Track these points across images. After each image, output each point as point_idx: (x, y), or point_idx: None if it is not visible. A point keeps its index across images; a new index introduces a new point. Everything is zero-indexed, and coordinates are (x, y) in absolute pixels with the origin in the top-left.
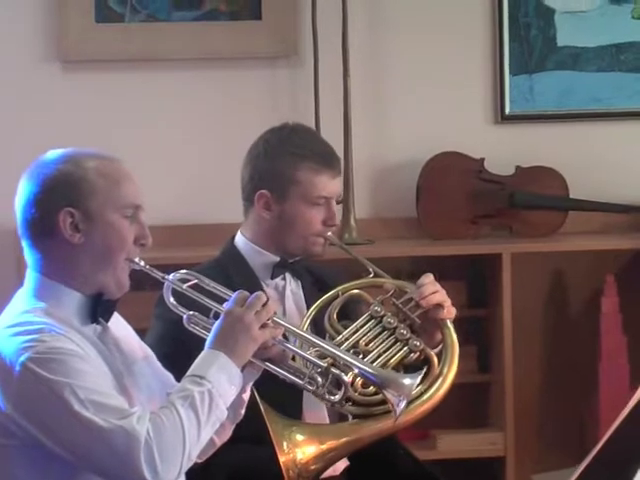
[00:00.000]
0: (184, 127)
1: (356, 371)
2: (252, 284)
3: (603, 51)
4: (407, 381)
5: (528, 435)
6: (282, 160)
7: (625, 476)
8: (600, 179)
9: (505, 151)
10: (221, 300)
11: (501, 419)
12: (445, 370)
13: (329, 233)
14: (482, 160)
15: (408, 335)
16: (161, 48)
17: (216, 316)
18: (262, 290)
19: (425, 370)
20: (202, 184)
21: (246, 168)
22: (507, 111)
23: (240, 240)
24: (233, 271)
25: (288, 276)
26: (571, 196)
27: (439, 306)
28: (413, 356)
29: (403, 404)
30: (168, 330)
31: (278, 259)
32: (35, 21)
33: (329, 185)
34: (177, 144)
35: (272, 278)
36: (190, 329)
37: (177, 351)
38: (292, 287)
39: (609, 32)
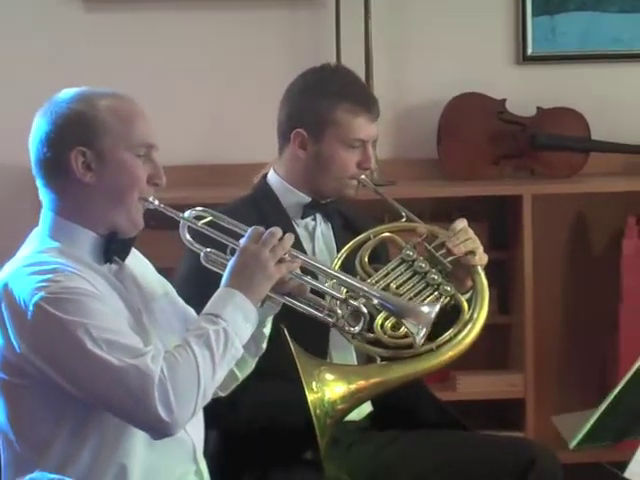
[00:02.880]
0: (204, 68)
1: (375, 302)
2: (284, 222)
3: None
4: (425, 309)
5: (548, 377)
6: (321, 99)
7: None
8: (622, 120)
9: (526, 92)
10: (238, 236)
11: (521, 361)
12: (475, 315)
13: (363, 176)
14: (503, 101)
15: (439, 280)
16: None
17: (233, 252)
18: (293, 229)
19: (454, 316)
20: (224, 125)
21: (283, 106)
22: (529, 52)
23: (273, 178)
24: (266, 208)
25: (319, 217)
26: (592, 137)
27: (471, 252)
28: (444, 301)
29: (423, 332)
30: (191, 268)
31: (310, 199)
32: None
33: (367, 128)
34: (198, 85)
35: (302, 218)
36: (208, 266)
37: (199, 289)
38: (322, 228)
39: None
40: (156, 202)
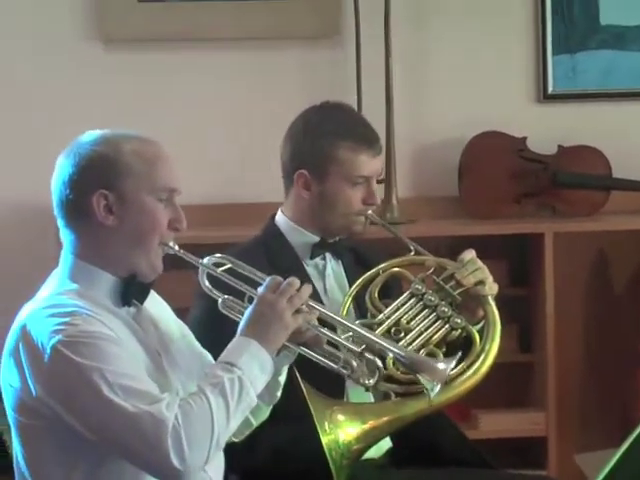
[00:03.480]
0: (224, 107)
1: (391, 355)
2: (293, 262)
3: None
4: (441, 366)
5: (570, 415)
6: (322, 139)
7: None
8: None
9: (547, 130)
10: (256, 284)
11: (543, 399)
12: (487, 347)
13: (370, 212)
14: (524, 139)
15: (450, 312)
16: (202, 27)
17: (250, 300)
18: (303, 268)
19: (466, 348)
20: (242, 164)
21: (285, 147)
22: (550, 90)
23: (281, 219)
24: (275, 249)
25: (328, 255)
26: (614, 175)
27: (481, 282)
28: (455, 333)
29: (437, 389)
30: (207, 312)
31: (318, 239)
32: (77, 0)
33: (369, 164)
34: (217, 124)
35: (312, 258)
36: (225, 312)
37: (215, 333)
38: (333, 265)
39: None
40: (176, 247)
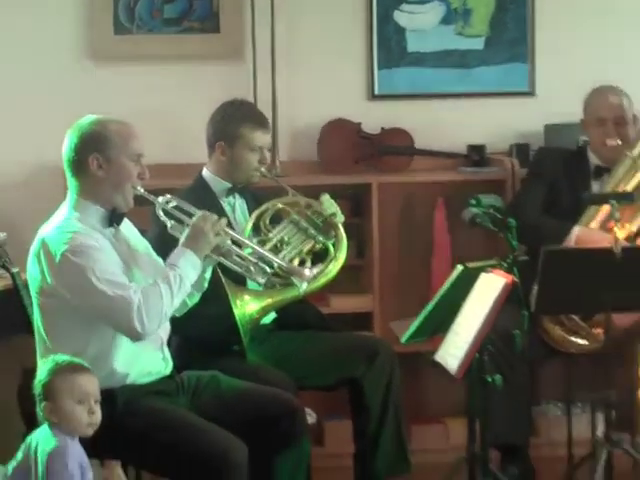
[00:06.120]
0: (170, 103)
1: (275, 264)
2: (215, 201)
3: (437, 54)
4: (307, 272)
5: (388, 297)
6: (232, 122)
7: None
8: (437, 136)
9: (375, 118)
10: (192, 215)
11: (371, 287)
12: (338, 255)
13: (262, 169)
14: (360, 124)
15: (315, 233)
16: (155, 51)
17: (187, 226)
18: (221, 205)
19: (325, 256)
20: (182, 137)
21: (209, 127)
22: (376, 92)
23: (206, 173)
24: (203, 193)
25: (237, 196)
26: (415, 146)
27: (334, 214)
28: (318, 247)
29: (305, 285)
30: (160, 234)
31: (230, 185)
32: (73, 32)
33: (262, 138)
34: (167, 113)
35: (226, 197)
36: (171, 233)
37: (166, 247)
38: (239, 203)
39: (440, 43)
40: (142, 190)
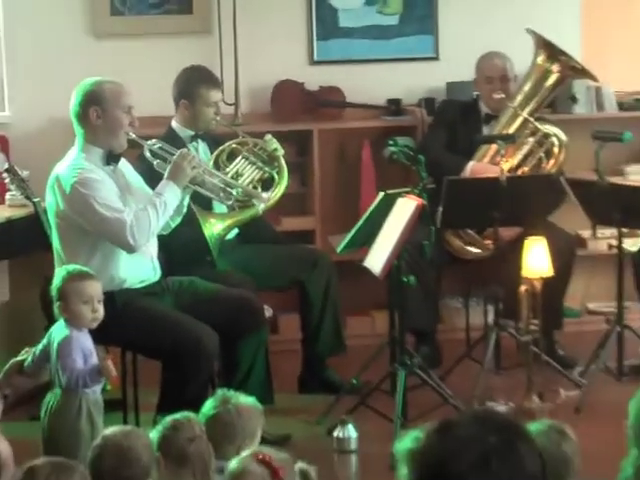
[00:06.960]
0: (155, 68)
1: (241, 190)
2: (183, 145)
3: (362, 29)
4: (264, 194)
5: (327, 217)
6: (192, 83)
7: None
8: (361, 92)
9: (315, 78)
10: (172, 154)
11: (314, 209)
12: (282, 182)
13: (218, 117)
14: (303, 83)
15: (262, 165)
16: (142, 29)
17: (169, 163)
18: (188, 149)
19: (271, 183)
20: (159, 96)
21: (174, 88)
22: (315, 58)
23: (174, 124)
24: (173, 139)
25: (200, 141)
26: (347, 100)
27: (277, 149)
28: (266, 175)
29: (262, 205)
30: (149, 170)
31: (193, 133)
32: (77, 14)
33: (216, 95)
34: (153, 77)
35: (191, 142)
36: (157, 170)
37: (153, 181)
38: (202, 146)
39: (364, 19)
40: (133, 135)
